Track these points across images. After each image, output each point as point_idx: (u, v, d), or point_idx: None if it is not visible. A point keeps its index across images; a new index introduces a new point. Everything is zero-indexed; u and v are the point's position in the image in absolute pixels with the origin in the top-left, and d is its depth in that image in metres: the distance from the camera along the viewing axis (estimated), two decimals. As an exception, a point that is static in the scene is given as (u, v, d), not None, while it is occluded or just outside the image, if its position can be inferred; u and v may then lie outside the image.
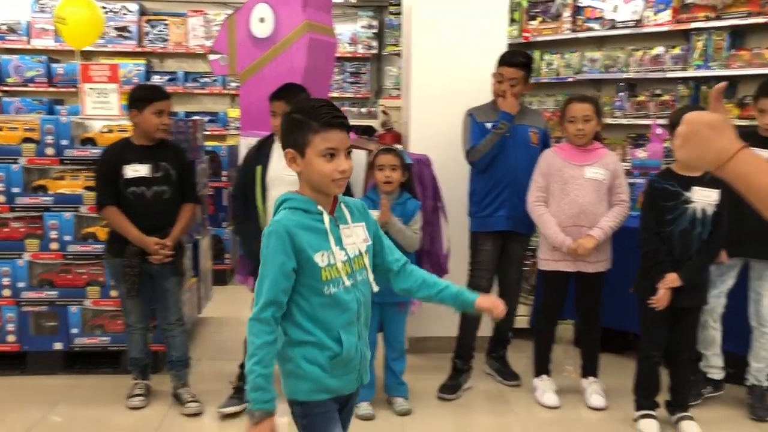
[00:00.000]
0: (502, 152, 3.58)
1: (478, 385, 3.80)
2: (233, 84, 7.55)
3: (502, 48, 3.94)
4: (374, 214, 3.25)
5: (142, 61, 7.56)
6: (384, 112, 5.13)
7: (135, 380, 3.56)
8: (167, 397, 3.55)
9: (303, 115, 1.83)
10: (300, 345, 1.86)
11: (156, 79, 7.57)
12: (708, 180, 3.13)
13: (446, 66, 4.13)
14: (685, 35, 5.53)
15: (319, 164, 1.81)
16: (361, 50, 7.76)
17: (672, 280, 3.14)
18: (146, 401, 3.50)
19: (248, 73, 3.81)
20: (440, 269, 3.58)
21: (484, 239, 3.68)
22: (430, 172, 3.63)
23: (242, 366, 3.82)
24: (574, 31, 6.10)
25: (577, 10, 6.09)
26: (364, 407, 3.40)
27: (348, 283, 1.86)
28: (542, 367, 3.70)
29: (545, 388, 3.63)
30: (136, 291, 3.36)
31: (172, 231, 3.38)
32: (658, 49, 5.65)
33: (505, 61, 3.61)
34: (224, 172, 5.80)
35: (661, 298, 3.15)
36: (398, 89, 7.30)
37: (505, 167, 3.60)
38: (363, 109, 7.09)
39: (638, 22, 5.71)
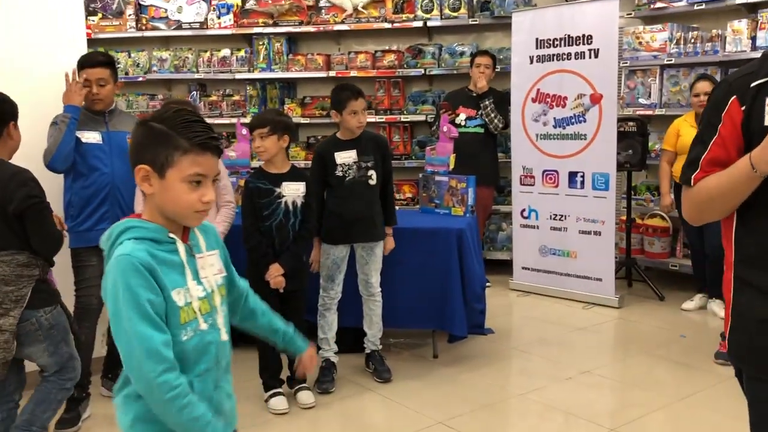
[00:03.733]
0: (97, 161, 3.44)
1: (97, 412, 3.54)
2: None
3: (82, 46, 3.78)
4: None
5: None
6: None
7: None
8: None
9: (170, 128, 1.48)
10: (138, 400, 1.52)
11: None
12: (294, 174, 3.50)
13: (22, 65, 3.68)
14: (248, 39, 5.97)
15: (181, 191, 1.49)
16: None
17: (275, 270, 3.42)
18: None
19: None
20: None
21: (88, 255, 3.45)
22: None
23: None
24: (139, 29, 6.01)
25: (141, 9, 6.01)
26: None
27: (205, 325, 1.56)
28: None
29: None
30: None
31: None
32: (225, 52, 5.98)
33: (87, 63, 3.46)
34: None
35: (276, 284, 3.42)
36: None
37: (102, 177, 3.46)
38: None
39: (203, 24, 5.93)
